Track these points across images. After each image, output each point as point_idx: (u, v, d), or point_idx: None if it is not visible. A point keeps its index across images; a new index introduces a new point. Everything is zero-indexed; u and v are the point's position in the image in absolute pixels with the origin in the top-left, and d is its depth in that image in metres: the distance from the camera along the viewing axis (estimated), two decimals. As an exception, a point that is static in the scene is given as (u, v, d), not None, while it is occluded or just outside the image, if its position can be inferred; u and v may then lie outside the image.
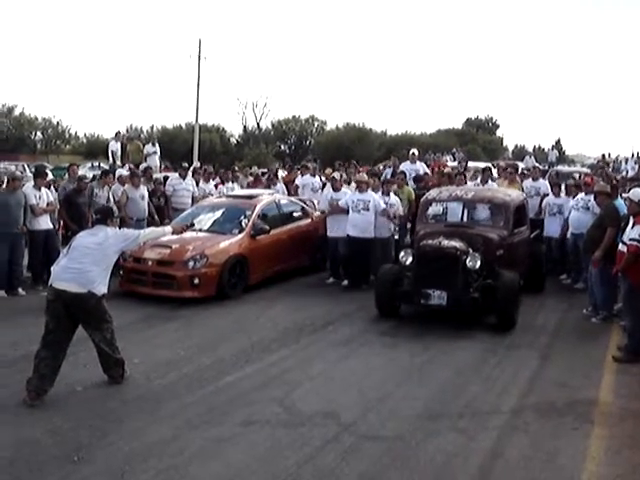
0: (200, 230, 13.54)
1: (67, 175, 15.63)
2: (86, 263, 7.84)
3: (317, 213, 15.75)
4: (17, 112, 61.00)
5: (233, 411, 7.40)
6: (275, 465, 6.15)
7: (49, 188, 13.78)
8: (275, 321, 11.25)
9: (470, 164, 26.38)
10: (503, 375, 8.82)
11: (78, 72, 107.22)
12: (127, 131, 53.50)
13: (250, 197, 15.17)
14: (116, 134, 25.12)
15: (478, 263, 10.93)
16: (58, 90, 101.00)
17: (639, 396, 7.98)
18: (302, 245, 15.11)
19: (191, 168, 18.98)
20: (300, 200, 16.46)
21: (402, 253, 11.63)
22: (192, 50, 50.08)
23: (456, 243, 11.14)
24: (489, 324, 10.99)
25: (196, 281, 12.38)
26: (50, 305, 7.83)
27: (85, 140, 64.03)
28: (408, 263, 11.35)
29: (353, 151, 53.22)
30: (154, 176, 17.58)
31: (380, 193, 14.25)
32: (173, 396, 7.83)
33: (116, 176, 16.11)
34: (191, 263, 12.44)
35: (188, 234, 12.66)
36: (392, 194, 14.37)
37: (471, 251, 11.09)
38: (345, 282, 14.05)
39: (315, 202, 16.40)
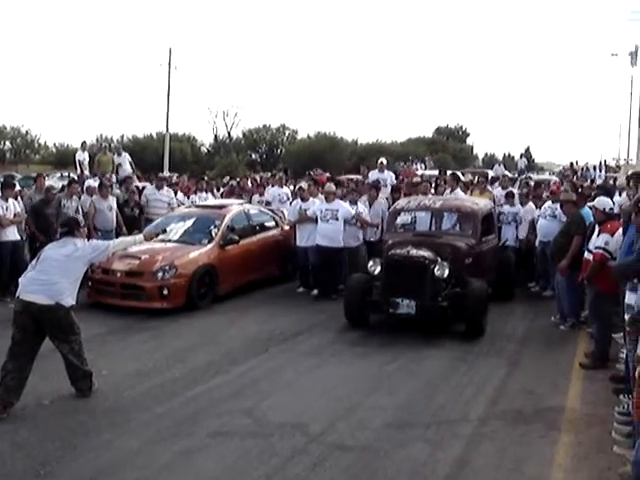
0: (169, 240, 13.49)
1: (34, 186, 15.51)
2: (54, 275, 7.81)
3: (286, 223, 15.73)
4: (-16, 122, 60.43)
5: (202, 422, 7.38)
6: (244, 476, 6.15)
7: (16, 199, 13.67)
8: (245, 331, 11.23)
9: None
10: (471, 383, 8.87)
11: (47, 81, 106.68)
12: (97, 141, 53.30)
13: (220, 207, 15.13)
14: (82, 144, 24.95)
15: (446, 272, 10.97)
16: (27, 99, 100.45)
17: (606, 402, 8.01)
18: (272, 255, 15.06)
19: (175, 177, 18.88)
20: (270, 210, 16.43)
21: (370, 262, 11.63)
22: (162, 59, 49.77)
23: (424, 252, 11.16)
24: (458, 332, 11.02)
25: (165, 292, 12.30)
26: (17, 317, 7.78)
27: (55, 150, 63.48)
28: (377, 272, 11.33)
29: (324, 160, 53.28)
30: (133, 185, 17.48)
31: (365, 202, 14.28)
32: (142, 408, 7.79)
33: (85, 187, 16.01)
34: (160, 274, 12.38)
35: (157, 245, 12.69)
36: (360, 203, 14.37)
37: (439, 260, 11.11)
38: (315, 292, 14.05)
39: (285, 212, 16.38)
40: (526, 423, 7.53)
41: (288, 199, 17.22)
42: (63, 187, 16.01)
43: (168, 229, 13.70)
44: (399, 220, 13.14)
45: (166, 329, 11.38)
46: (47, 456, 6.51)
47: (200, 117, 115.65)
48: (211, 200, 17.21)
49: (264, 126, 66.80)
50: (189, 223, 14.33)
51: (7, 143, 62.76)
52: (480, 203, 13.70)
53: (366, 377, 9.02)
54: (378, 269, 11.34)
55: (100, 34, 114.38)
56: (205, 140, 67.43)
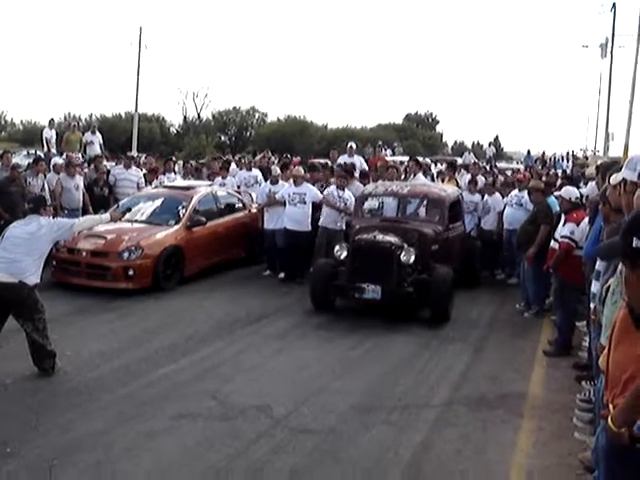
0: (136, 221, 13.41)
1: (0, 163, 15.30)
2: (18, 253, 7.78)
3: (254, 206, 15.71)
4: (-50, 97, 59.63)
5: (165, 404, 7.34)
6: (206, 459, 6.13)
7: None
8: (210, 313, 11.18)
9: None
10: (436, 369, 8.92)
11: (15, 57, 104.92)
12: (65, 119, 52.75)
13: (187, 188, 15.05)
14: (50, 121, 24.66)
15: (412, 257, 10.98)
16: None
17: (568, 389, 8.11)
18: (239, 237, 15.08)
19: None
20: (237, 192, 16.37)
21: (337, 247, 11.56)
22: (133, 38, 49.38)
23: (391, 238, 11.16)
24: (423, 318, 11.07)
25: (131, 272, 12.23)
26: None
27: (22, 127, 62.80)
28: (343, 257, 11.29)
29: (293, 143, 53.20)
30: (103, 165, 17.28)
31: (334, 187, 14.14)
32: (105, 389, 7.73)
33: (51, 164, 15.82)
34: (126, 254, 12.28)
35: (124, 225, 12.58)
36: (347, 189, 14.18)
37: (406, 246, 11.11)
38: (282, 275, 14.02)
39: (253, 195, 16.33)
40: (489, 409, 7.59)
41: (256, 182, 17.10)
42: (29, 165, 15.83)
43: (135, 209, 13.69)
44: (366, 205, 13.16)
45: (132, 310, 11.30)
46: (8, 436, 6.43)
47: (170, 97, 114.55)
48: (180, 181, 17.06)
49: (234, 108, 66.56)
50: (156, 204, 14.20)
51: (-27, 120, 61.99)
52: (448, 190, 13.76)
53: (331, 361, 9.02)
54: (344, 254, 11.28)
55: (70, 11, 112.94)
56: (174, 121, 67.08)
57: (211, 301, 12.15)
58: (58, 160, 16.65)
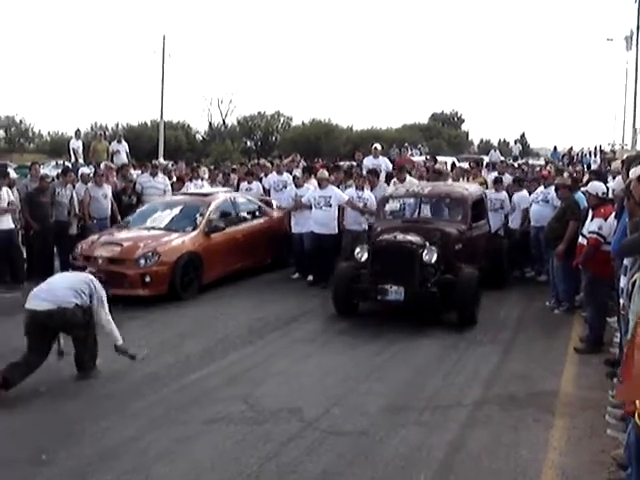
0: (153, 228, 13.43)
1: (29, 174, 15.51)
2: (58, 286, 8.26)
3: (276, 212, 15.68)
4: (-22, 110, 60.35)
5: (197, 409, 7.40)
6: (239, 462, 6.16)
7: (10, 188, 13.66)
8: (239, 318, 11.23)
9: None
10: (465, 369, 8.87)
11: (42, 69, 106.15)
12: (92, 129, 53.20)
13: (205, 195, 15.01)
14: (76, 132, 24.91)
15: (435, 256, 10.77)
16: (21, 88, 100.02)
17: (600, 386, 8.05)
18: (260, 243, 14.91)
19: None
20: (260, 199, 16.25)
21: (357, 249, 11.38)
22: (156, 46, 49.70)
23: (412, 237, 11.00)
24: (449, 322, 10.86)
25: (147, 279, 12.13)
26: (26, 326, 8.08)
27: (49, 138, 63.45)
28: (364, 259, 11.11)
29: (319, 146, 53.27)
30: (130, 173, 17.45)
31: (354, 188, 14.25)
32: (138, 395, 7.82)
33: (79, 174, 16.01)
34: (142, 261, 12.24)
35: (140, 231, 12.84)
36: (366, 189, 14.31)
37: (427, 244, 10.92)
38: (310, 278, 14.06)
39: (274, 201, 16.28)
40: (520, 407, 7.56)
41: (285, 187, 16.96)
42: (58, 175, 16.03)
43: (152, 216, 13.83)
44: (388, 207, 13.04)
45: (157, 317, 11.38)
46: (43, 444, 6.52)
47: (195, 105, 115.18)
48: (207, 188, 17.09)
49: (259, 113, 66.88)
50: (174, 210, 14.19)
51: (1, 132, 62.62)
52: (470, 188, 13.56)
53: (359, 364, 9.02)
54: (365, 256, 11.11)
55: (94, 22, 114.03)
56: (200, 128, 67.47)
57: (239, 306, 12.19)
58: (85, 170, 16.85)
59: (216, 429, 6.91)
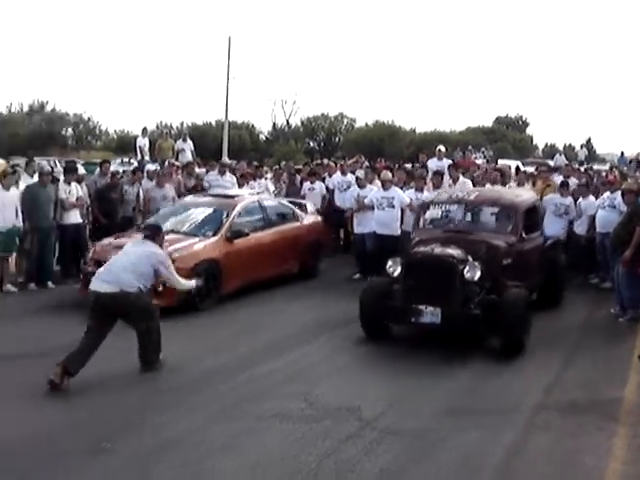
0: (172, 231, 12.07)
1: (99, 171, 15.85)
2: (121, 268, 8.37)
3: (310, 217, 15.21)
4: (49, 108, 61.57)
5: (255, 405, 7.47)
6: (297, 459, 6.21)
7: (79, 183, 13.99)
8: (295, 318, 11.30)
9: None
10: (526, 374, 8.79)
11: (109, 68, 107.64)
12: (157, 127, 53.91)
13: (230, 197, 13.93)
14: (143, 130, 25.29)
15: (478, 274, 9.48)
16: (89, 86, 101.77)
17: (664, 395, 7.93)
18: (290, 250, 13.88)
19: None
20: (294, 202, 15.63)
21: (389, 262, 10.05)
22: (222, 48, 50.15)
23: (452, 251, 9.71)
24: (491, 349, 9.72)
25: (160, 288, 10.11)
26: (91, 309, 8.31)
27: (115, 136, 64.39)
28: (396, 274, 9.88)
29: (382, 148, 53.12)
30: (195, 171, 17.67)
31: (413, 190, 14.25)
32: (195, 390, 7.93)
33: (145, 171, 16.27)
34: None
35: None
36: (426, 190, 14.24)
37: (470, 260, 9.64)
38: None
39: (309, 205, 15.86)
40: (582, 414, 7.46)
41: (349, 187, 16.86)
42: (124, 172, 16.35)
43: (173, 219, 12.91)
44: (428, 215, 11.60)
45: (216, 314, 11.41)
46: (105, 433, 6.66)
47: (259, 105, 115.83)
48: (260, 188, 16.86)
49: (322, 114, 66.85)
50: (196, 213, 13.22)
51: (69, 130, 63.77)
52: (523, 195, 12.40)
53: (416, 366, 8.98)
54: (398, 270, 9.88)
55: (162, 22, 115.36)
56: (263, 128, 67.80)
57: (298, 306, 12.23)
58: (151, 167, 17.13)
59: (275, 426, 6.96)
